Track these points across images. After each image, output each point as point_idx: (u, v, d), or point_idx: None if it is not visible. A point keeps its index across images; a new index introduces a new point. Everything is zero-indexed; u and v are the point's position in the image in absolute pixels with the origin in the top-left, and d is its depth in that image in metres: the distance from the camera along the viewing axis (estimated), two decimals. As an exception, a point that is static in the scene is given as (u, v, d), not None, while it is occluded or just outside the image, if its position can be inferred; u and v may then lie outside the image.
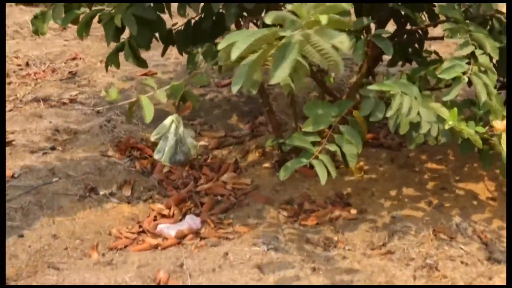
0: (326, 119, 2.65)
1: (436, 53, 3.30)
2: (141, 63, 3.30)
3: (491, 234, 2.79)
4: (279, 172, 3.35)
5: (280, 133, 3.38)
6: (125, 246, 2.85)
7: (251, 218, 3.01)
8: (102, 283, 2.51)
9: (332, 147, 2.61)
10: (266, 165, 3.45)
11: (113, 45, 3.24)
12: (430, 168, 3.33)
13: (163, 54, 3.49)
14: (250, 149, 3.59)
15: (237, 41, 1.65)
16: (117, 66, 3.35)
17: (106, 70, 3.41)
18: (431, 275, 2.55)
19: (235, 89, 1.79)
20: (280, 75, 1.66)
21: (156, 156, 2.78)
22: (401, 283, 2.51)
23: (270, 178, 3.33)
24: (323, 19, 1.61)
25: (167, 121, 2.76)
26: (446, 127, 2.39)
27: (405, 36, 3.26)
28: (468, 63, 2.52)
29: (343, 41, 1.65)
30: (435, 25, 3.05)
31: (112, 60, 3.28)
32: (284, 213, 3.05)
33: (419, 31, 3.27)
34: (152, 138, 2.80)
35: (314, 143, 2.63)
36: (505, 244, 2.73)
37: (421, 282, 2.52)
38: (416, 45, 3.31)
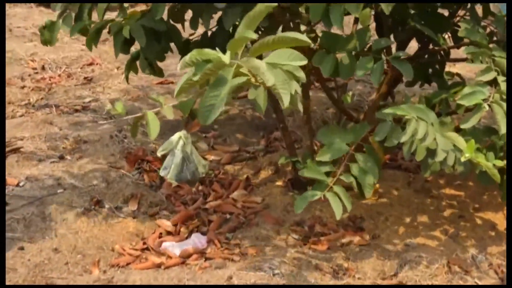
0: (341, 148, 2.55)
1: (458, 75, 3.18)
2: (158, 72, 3.22)
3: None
4: (291, 190, 3.28)
5: (294, 151, 3.27)
6: (128, 264, 2.76)
7: (259, 239, 2.91)
8: (99, 303, 2.42)
9: (348, 178, 2.51)
10: (279, 183, 3.35)
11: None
12: (448, 194, 3.21)
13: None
14: (263, 166, 3.49)
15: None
16: (136, 71, 3.27)
17: (127, 81, 3.35)
18: (443, 310, 2.43)
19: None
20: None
21: (162, 172, 2.68)
22: (411, 318, 2.40)
23: (282, 197, 3.23)
24: (270, 80, 1.59)
25: (175, 137, 2.66)
26: (463, 159, 2.28)
27: (426, 56, 3.14)
28: (490, 90, 2.39)
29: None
30: (458, 47, 2.93)
31: (130, 68, 3.21)
32: (294, 235, 2.95)
33: (441, 52, 3.15)
34: (159, 154, 2.70)
35: (328, 173, 2.52)
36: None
37: (433, 317, 2.40)
38: (437, 66, 3.19)
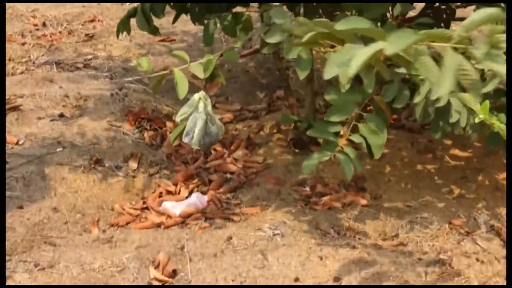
0: (349, 107, 2.50)
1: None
2: (154, 30, 3.17)
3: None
4: (293, 150, 3.24)
5: (296, 111, 3.23)
6: (127, 223, 2.75)
7: (260, 199, 2.89)
8: (98, 263, 2.40)
9: (357, 139, 2.46)
10: (281, 143, 3.31)
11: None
12: (453, 155, 3.16)
13: (174, 21, 3.32)
14: (265, 125, 3.45)
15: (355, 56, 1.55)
16: (129, 32, 3.22)
17: (117, 36, 3.28)
18: (443, 271, 2.40)
19: (328, 76, 1.73)
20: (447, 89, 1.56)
21: (184, 139, 2.60)
22: (411, 279, 2.37)
23: (284, 156, 3.20)
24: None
25: (194, 98, 2.59)
26: (477, 120, 2.22)
27: (432, 14, 3.07)
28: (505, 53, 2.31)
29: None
30: (465, 6, 2.86)
31: (123, 26, 3.15)
32: (295, 195, 2.92)
33: (447, 10, 3.07)
34: (177, 119, 2.61)
35: (336, 134, 2.49)
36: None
37: (433, 278, 2.38)
38: (442, 25, 3.12)
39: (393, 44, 1.63)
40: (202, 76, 2.55)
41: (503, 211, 2.75)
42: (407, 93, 2.47)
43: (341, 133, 2.51)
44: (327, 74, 1.76)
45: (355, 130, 2.52)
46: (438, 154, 3.18)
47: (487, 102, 2.25)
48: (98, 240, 2.59)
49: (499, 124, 2.23)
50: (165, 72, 2.61)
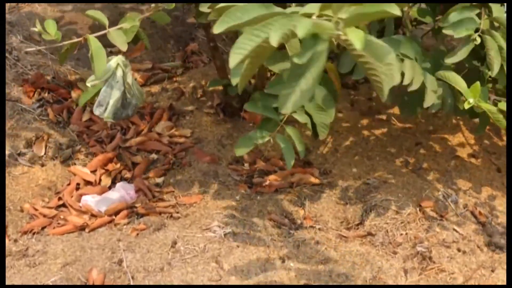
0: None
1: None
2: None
3: (485, 208, 2.37)
4: (222, 118, 2.84)
5: (225, 73, 2.80)
6: (43, 228, 2.28)
7: (196, 184, 2.49)
8: (18, 292, 1.95)
9: (302, 117, 2.07)
10: (207, 110, 2.89)
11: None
12: (398, 115, 2.85)
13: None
14: (185, 88, 3.00)
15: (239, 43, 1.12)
16: None
17: None
18: (425, 267, 2.12)
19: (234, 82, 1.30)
20: (297, 105, 1.13)
21: (96, 111, 2.14)
22: (390, 280, 2.07)
23: (214, 127, 2.79)
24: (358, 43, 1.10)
25: (112, 64, 2.11)
26: (467, 105, 1.90)
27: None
28: (479, 15, 1.97)
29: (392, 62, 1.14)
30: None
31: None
32: (235, 175, 2.54)
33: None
34: (88, 84, 2.15)
35: (277, 108, 2.10)
36: (501, 221, 2.33)
37: (414, 278, 2.09)
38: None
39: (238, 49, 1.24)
40: (125, 48, 2.09)
41: (469, 184, 2.48)
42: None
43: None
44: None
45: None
46: (384, 116, 2.87)
47: (477, 83, 1.93)
48: (11, 254, 2.12)
49: (490, 107, 1.93)
50: (76, 40, 2.12)
